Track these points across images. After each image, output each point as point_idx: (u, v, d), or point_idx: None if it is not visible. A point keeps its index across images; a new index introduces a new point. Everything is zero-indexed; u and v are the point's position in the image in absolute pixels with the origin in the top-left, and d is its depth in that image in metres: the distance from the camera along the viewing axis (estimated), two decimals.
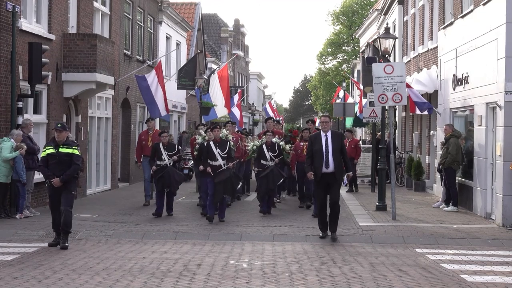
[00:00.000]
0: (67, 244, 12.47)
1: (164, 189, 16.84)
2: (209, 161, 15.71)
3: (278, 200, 19.66)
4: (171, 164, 16.94)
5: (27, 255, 11.79)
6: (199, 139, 17.52)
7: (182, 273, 10.34)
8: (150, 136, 19.33)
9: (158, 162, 16.90)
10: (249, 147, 19.40)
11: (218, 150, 15.73)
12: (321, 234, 13.90)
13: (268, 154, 17.43)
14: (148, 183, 19.41)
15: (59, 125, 12.73)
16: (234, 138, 18.69)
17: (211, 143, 15.82)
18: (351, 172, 15.01)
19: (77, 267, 10.75)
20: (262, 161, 17.48)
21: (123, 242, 13.48)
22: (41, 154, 13.09)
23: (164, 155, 16.88)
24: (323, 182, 13.72)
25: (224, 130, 17.35)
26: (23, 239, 13.55)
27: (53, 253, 12.06)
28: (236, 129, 23.12)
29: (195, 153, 17.59)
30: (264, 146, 17.62)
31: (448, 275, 10.44)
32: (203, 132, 17.67)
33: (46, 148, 12.81)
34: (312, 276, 10.20)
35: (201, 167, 15.81)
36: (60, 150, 12.52)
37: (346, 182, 14.31)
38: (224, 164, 15.68)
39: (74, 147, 12.69)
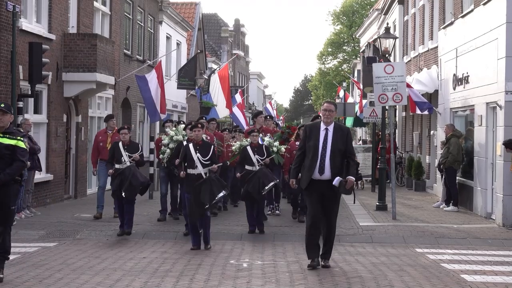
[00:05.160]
0: (1, 276, 9.39)
1: (121, 192, 13.60)
2: (187, 168, 12.57)
3: (277, 212, 17.11)
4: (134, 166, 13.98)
5: (28, 255, 11.80)
6: (165, 140, 15.49)
7: (183, 272, 10.35)
8: (110, 137, 16.34)
9: (117, 166, 13.86)
10: (234, 147, 16.54)
11: (199, 155, 12.45)
12: (309, 262, 10.50)
13: (254, 158, 14.39)
14: (102, 192, 16.25)
15: (3, 105, 9.48)
16: (209, 138, 15.19)
17: (190, 146, 12.58)
18: (353, 178, 10.49)
19: (78, 267, 10.76)
20: (247, 166, 14.46)
21: (123, 241, 13.49)
22: None
23: (124, 157, 13.80)
24: (316, 191, 10.47)
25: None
26: (24, 239, 13.55)
27: (53, 253, 12.07)
28: (239, 128, 22.81)
29: (161, 156, 15.53)
30: (249, 148, 14.62)
31: (449, 274, 10.44)
32: (171, 132, 15.53)
33: None
34: (313, 276, 10.18)
35: (183, 173, 12.53)
36: (0, 140, 9.31)
37: (337, 183, 10.27)
38: (205, 174, 12.46)
39: (18, 138, 9.40)
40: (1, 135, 9.32)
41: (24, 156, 9.44)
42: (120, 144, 13.99)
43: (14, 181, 9.42)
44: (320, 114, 11.09)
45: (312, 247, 10.52)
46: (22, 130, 10.90)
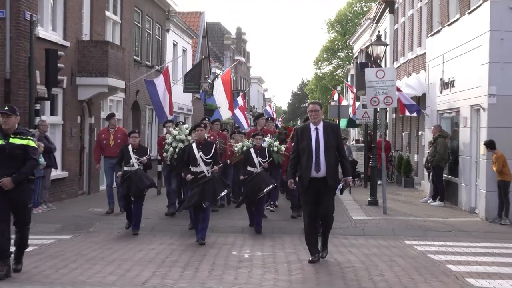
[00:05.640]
0: (20, 267, 9.28)
1: (130, 195, 13.32)
2: (190, 166, 12.19)
3: (271, 209, 16.56)
4: (142, 169, 13.49)
5: (45, 246, 11.82)
6: (168, 139, 15.07)
7: (188, 263, 10.36)
8: (112, 135, 16.40)
9: (126, 168, 13.35)
10: (236, 148, 16.05)
11: (201, 153, 12.09)
12: (310, 258, 10.30)
13: (257, 160, 13.92)
14: (111, 189, 16.36)
15: (6, 108, 9.16)
16: (212, 138, 14.83)
17: (194, 145, 12.27)
18: (350, 177, 10.53)
19: (91, 257, 10.78)
20: (249, 168, 13.92)
21: (134, 234, 13.47)
22: None
23: (133, 160, 13.30)
24: (312, 189, 10.10)
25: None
26: (41, 231, 13.53)
27: (69, 245, 12.09)
28: (238, 129, 22.67)
29: (164, 154, 15.14)
30: (252, 150, 14.16)
31: (435, 265, 10.46)
32: (174, 131, 15.14)
33: None
34: (309, 265, 10.19)
35: (189, 176, 12.14)
36: (11, 140, 8.97)
37: (340, 188, 10.29)
38: (208, 171, 12.13)
39: (29, 137, 9.16)
40: (12, 136, 9.02)
41: (35, 154, 9.23)
42: (130, 147, 13.50)
43: (27, 180, 9.20)
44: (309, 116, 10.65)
45: (313, 244, 10.31)
46: (31, 130, 10.20)
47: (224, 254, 11.23)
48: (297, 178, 10.44)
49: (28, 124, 16.49)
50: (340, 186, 10.25)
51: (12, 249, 9.29)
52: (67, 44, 19.25)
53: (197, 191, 12.03)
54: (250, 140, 15.36)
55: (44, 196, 16.64)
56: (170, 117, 24.05)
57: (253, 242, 12.59)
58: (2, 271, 8.81)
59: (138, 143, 13.60)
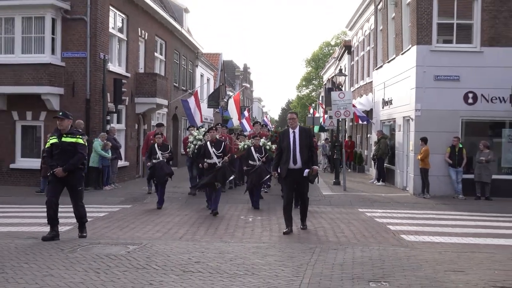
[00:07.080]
0: (85, 234, 8.42)
1: (153, 180, 12.62)
2: (205, 159, 11.72)
3: (265, 191, 15.84)
4: (165, 161, 12.63)
5: (112, 213, 11.77)
6: (191, 138, 14.46)
7: (211, 224, 10.32)
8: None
9: (154, 161, 12.58)
10: (240, 146, 15.41)
11: (214, 149, 11.67)
12: (285, 230, 9.39)
13: (256, 155, 13.34)
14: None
15: (61, 113, 8.19)
16: (223, 137, 14.07)
17: (208, 143, 11.79)
18: (316, 167, 9.31)
19: (144, 220, 10.74)
20: (250, 162, 13.29)
21: (173, 205, 13.40)
22: (46, 145, 8.37)
23: (159, 154, 12.55)
24: (291, 178, 9.24)
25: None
26: (110, 202, 13.54)
27: (129, 212, 12.03)
28: (245, 132, 22.49)
29: (188, 150, 14.59)
30: (252, 148, 13.58)
31: (379, 225, 10.41)
32: (194, 133, 14.51)
33: (50, 138, 8.30)
34: (292, 226, 10.09)
35: (205, 164, 11.65)
36: (63, 139, 8.10)
37: (306, 174, 9.19)
38: (219, 162, 11.59)
39: (78, 136, 8.17)
40: (64, 135, 8.11)
41: (83, 149, 8.16)
42: (156, 145, 12.65)
43: (79, 168, 8.16)
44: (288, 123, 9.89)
45: (287, 219, 9.46)
46: (79, 130, 8.76)
47: (235, 218, 11.18)
48: (278, 170, 9.74)
49: (102, 129, 16.49)
50: (307, 171, 9.17)
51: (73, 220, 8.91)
52: (128, 75, 19.21)
53: (209, 175, 11.51)
54: (250, 140, 15.05)
55: (113, 178, 16.60)
56: (200, 124, 24.02)
57: (255, 211, 12.54)
58: (49, 235, 8.03)
59: (161, 142, 12.71)
